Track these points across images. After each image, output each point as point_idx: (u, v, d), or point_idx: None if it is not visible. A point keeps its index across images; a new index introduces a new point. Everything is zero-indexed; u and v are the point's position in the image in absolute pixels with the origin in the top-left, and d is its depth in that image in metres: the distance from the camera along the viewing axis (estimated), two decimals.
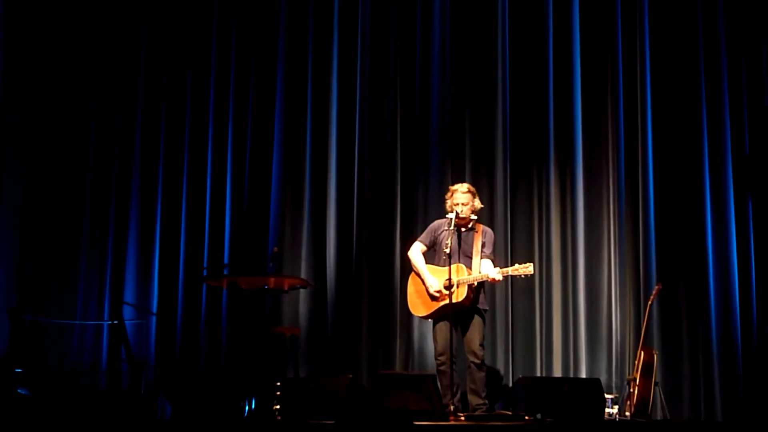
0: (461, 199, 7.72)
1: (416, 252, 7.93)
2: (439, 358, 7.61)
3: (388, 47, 9.46)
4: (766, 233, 8.84)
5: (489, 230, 7.94)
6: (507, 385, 8.80)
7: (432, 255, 7.89)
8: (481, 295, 7.69)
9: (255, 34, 9.57)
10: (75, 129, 9.53)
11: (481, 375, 7.57)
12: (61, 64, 9.55)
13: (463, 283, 7.47)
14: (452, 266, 7.45)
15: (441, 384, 7.50)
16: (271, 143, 9.37)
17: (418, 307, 7.76)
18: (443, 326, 7.55)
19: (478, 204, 7.82)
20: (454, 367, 7.54)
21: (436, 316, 7.64)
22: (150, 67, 9.60)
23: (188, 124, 9.49)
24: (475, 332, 7.60)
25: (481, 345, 7.62)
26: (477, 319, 7.62)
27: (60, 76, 9.54)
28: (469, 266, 7.62)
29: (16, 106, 9.43)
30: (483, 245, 7.73)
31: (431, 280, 7.66)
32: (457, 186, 7.85)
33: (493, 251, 7.88)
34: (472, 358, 7.56)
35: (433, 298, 7.62)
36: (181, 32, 9.61)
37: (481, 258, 7.69)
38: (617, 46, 9.23)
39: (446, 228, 7.68)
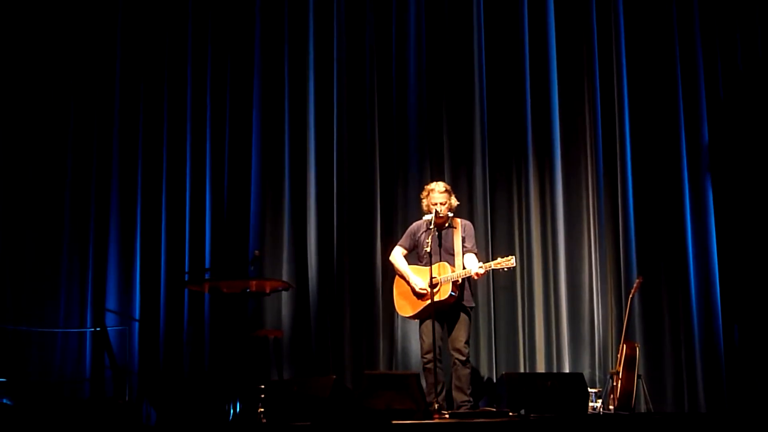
0: (439, 198, 7.72)
1: (398, 255, 7.94)
2: (425, 356, 7.61)
3: (364, 47, 9.46)
4: (745, 225, 8.89)
5: (468, 223, 7.94)
6: (490, 382, 8.82)
7: (413, 258, 7.89)
8: (467, 292, 7.70)
9: (230, 40, 9.57)
10: (53, 138, 9.51)
11: (466, 372, 7.58)
12: (37, 73, 9.54)
13: (447, 280, 7.49)
14: (435, 265, 7.47)
15: (426, 382, 7.53)
16: (250, 147, 9.37)
17: (405, 307, 7.76)
18: (430, 324, 7.54)
19: (454, 202, 7.83)
20: (439, 365, 7.56)
21: (423, 316, 7.63)
22: (126, 74, 9.59)
23: (166, 130, 9.48)
24: (461, 330, 7.61)
25: (467, 342, 7.63)
26: (463, 316, 7.64)
27: (35, 85, 9.54)
28: (452, 264, 7.62)
29: None
30: (464, 240, 7.73)
31: (415, 278, 7.66)
32: (433, 185, 7.85)
33: (475, 244, 7.90)
34: (457, 356, 7.57)
35: (419, 296, 7.62)
36: (157, 39, 9.60)
37: (465, 252, 7.70)
38: (593, 40, 9.26)
39: (425, 229, 7.68)
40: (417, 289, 7.61)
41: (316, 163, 9.31)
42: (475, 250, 7.81)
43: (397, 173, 9.26)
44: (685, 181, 9.01)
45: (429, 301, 7.41)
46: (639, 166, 9.08)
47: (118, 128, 9.51)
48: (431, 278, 7.35)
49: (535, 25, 9.34)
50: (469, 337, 7.72)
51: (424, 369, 7.64)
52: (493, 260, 7.66)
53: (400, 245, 7.99)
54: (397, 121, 9.34)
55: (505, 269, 7.56)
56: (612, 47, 9.24)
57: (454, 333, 7.64)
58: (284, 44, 9.51)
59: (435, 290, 7.45)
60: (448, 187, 7.85)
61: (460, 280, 7.56)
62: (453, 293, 7.48)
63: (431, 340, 7.50)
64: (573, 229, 9.08)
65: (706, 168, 9.03)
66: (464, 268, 7.58)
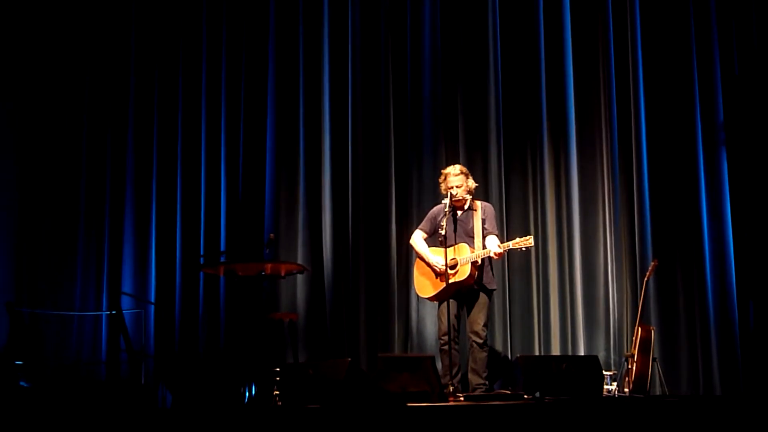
0: (455, 181, 7.74)
1: (418, 238, 7.96)
2: (442, 338, 7.63)
3: (379, 31, 9.44)
4: (761, 204, 8.84)
5: (488, 205, 7.96)
6: (506, 364, 8.82)
7: (434, 242, 7.87)
8: (488, 274, 7.73)
9: (245, 21, 9.57)
10: (68, 119, 9.55)
11: (482, 355, 7.60)
12: (53, 56, 9.58)
13: (466, 261, 7.50)
14: (454, 247, 7.49)
15: (442, 364, 7.54)
16: (264, 130, 9.37)
17: (426, 288, 7.78)
18: (448, 305, 7.57)
19: (472, 184, 7.85)
20: (456, 347, 7.57)
21: (443, 297, 7.62)
22: (141, 56, 9.62)
23: (181, 112, 9.50)
24: (480, 312, 7.64)
25: (485, 326, 7.66)
26: (483, 298, 7.66)
27: (52, 68, 9.57)
28: (471, 245, 7.64)
29: (9, 99, 9.43)
30: (484, 222, 7.75)
31: (435, 258, 7.68)
32: (449, 169, 7.88)
33: (496, 226, 7.91)
34: (474, 338, 7.60)
35: (438, 275, 7.64)
36: (172, 19, 9.61)
37: (486, 234, 7.73)
38: (608, 18, 9.16)
39: (445, 213, 7.68)
40: (437, 268, 7.62)
41: (330, 146, 9.30)
42: (496, 232, 7.84)
43: (412, 156, 9.25)
44: (701, 163, 8.94)
45: (450, 281, 7.44)
46: (654, 147, 9.03)
47: (133, 112, 9.54)
48: (446, 259, 7.36)
49: (550, 4, 9.28)
50: (487, 320, 7.75)
51: (440, 350, 7.66)
52: (510, 240, 7.67)
53: (420, 229, 8.02)
54: (411, 104, 9.33)
55: (523, 248, 7.59)
56: (627, 25, 9.16)
57: (472, 315, 7.66)
58: (299, 27, 9.50)
59: (454, 271, 7.47)
60: (465, 170, 7.86)
61: (479, 261, 7.57)
62: (472, 274, 7.49)
63: (448, 322, 7.51)
64: (588, 211, 9.04)
65: (721, 146, 8.98)
66: (484, 248, 7.59)
